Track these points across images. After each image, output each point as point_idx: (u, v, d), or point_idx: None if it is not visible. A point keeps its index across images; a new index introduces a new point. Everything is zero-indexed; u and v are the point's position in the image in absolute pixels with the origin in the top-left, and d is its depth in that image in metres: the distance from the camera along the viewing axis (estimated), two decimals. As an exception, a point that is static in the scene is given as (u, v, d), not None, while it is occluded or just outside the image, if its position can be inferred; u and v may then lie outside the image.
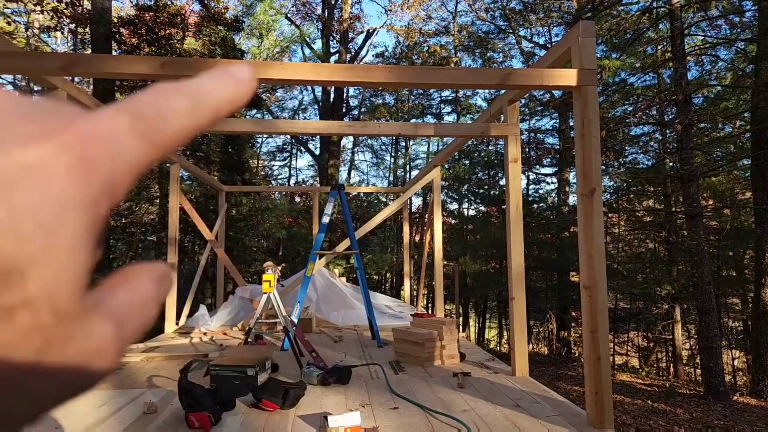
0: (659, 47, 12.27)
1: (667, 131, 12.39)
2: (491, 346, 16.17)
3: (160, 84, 0.18)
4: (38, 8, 9.99)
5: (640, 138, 13.07)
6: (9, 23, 9.78)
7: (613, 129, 11.52)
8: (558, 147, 15.43)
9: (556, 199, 15.66)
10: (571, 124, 14.73)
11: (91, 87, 11.27)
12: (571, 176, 15.16)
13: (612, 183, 13.09)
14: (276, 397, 3.39)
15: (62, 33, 11.42)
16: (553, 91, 14.45)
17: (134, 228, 11.86)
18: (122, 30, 11.16)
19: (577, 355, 13.57)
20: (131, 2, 12.85)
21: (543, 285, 15.16)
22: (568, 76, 3.21)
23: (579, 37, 3.21)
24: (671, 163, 12.17)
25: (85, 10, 10.54)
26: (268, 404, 3.37)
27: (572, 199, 15.33)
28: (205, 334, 6.87)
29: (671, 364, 12.53)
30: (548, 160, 16.22)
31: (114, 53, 10.76)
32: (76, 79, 14.14)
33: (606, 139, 11.35)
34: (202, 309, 7.62)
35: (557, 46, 3.56)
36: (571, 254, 12.77)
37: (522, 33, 16.73)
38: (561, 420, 3.20)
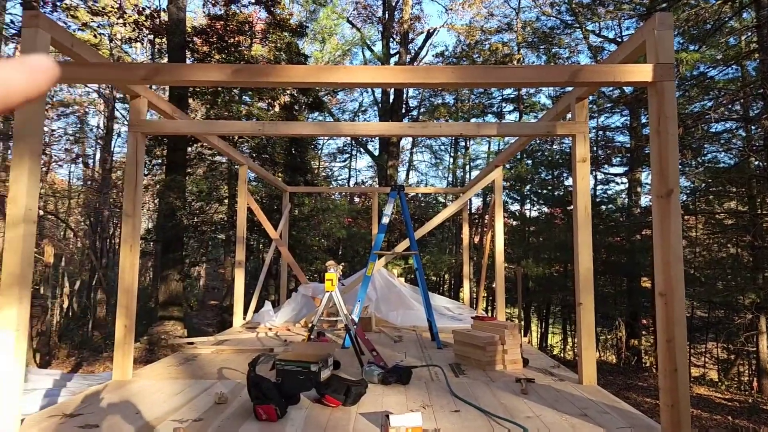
0: (743, 38, 11.43)
1: (752, 128, 11.52)
2: (554, 353, 15.66)
3: None
4: (121, 21, 10.71)
5: (721, 135, 12.21)
6: (95, 36, 10.55)
7: (691, 126, 10.83)
8: (629, 145, 14.73)
9: (627, 200, 14.95)
10: (644, 121, 14.02)
11: (167, 94, 11.93)
12: (644, 176, 14.42)
13: (689, 183, 12.32)
14: (339, 394, 3.46)
15: (141, 44, 12.17)
16: (624, 88, 13.81)
17: (205, 227, 12.44)
18: (195, 39, 11.76)
19: (648, 365, 12.89)
20: (204, 12, 13.51)
21: (611, 290, 14.50)
22: (642, 72, 3.07)
23: (655, 30, 3.06)
24: (757, 162, 11.31)
25: (162, 21, 11.20)
26: (331, 400, 3.44)
27: (644, 200, 14.59)
28: (270, 329, 7.11)
29: (755, 378, 11.65)
30: (618, 159, 15.50)
31: (187, 61, 11.35)
32: (153, 87, 15.03)
33: (683, 137, 10.70)
34: (267, 305, 7.90)
35: (631, 40, 3.41)
36: (642, 258, 12.15)
37: (590, 27, 16.09)
38: (632, 432, 3.06)
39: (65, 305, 14.72)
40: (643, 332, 13.63)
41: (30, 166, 3.00)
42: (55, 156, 13.41)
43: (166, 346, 9.97)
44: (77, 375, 7.56)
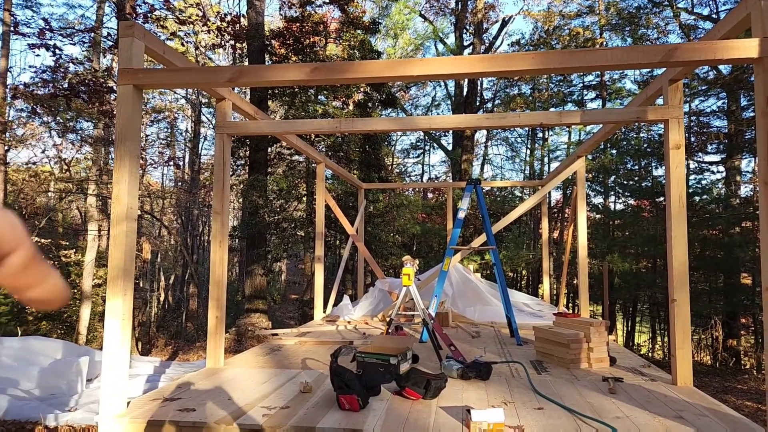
0: None
1: None
2: (642, 352, 14.78)
3: None
4: (205, 29, 11.36)
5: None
6: (182, 44, 11.28)
7: None
8: (726, 130, 13.55)
9: (724, 190, 13.77)
10: (744, 103, 12.84)
11: (248, 97, 12.51)
12: (744, 164, 13.21)
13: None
14: (419, 387, 3.47)
15: (224, 49, 12.84)
16: (721, 68, 12.70)
17: (285, 223, 12.94)
18: (273, 42, 12.23)
19: (748, 366, 11.84)
20: (280, 15, 14.01)
21: (706, 287, 13.43)
22: (747, 47, 2.81)
23: (762, 1, 2.79)
24: None
25: (242, 26, 11.75)
26: (411, 393, 3.47)
27: (744, 190, 13.37)
28: (348, 322, 7.28)
29: None
30: (713, 145, 14.31)
31: (267, 63, 11.83)
32: (236, 90, 15.81)
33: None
34: (346, 299, 8.09)
35: (733, 13, 3.13)
36: (741, 253, 11.16)
37: (681, 5, 14.94)
38: (737, 438, 2.83)
39: (162, 298, 15.90)
40: (742, 332, 12.53)
41: (130, 168, 3.26)
42: (150, 159, 14.49)
43: (252, 337, 10.50)
44: (174, 363, 8.16)
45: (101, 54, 11.23)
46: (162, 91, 18.59)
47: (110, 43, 10.23)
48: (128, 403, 3.32)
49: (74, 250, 11.77)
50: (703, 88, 13.92)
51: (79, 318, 10.74)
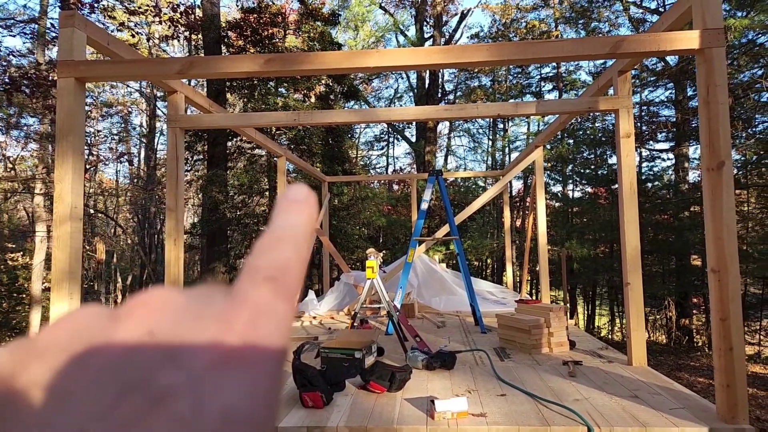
0: (797, -1, 10.66)
1: (808, 95, 10.80)
2: (602, 335, 15.29)
3: (262, 240, 0.21)
4: (157, 19, 10.97)
5: (773, 104, 11.51)
6: (133, 35, 10.86)
7: (741, 96, 10.24)
8: (675, 119, 14.08)
9: (674, 176, 14.33)
10: (690, 93, 13.37)
11: (205, 90, 12.19)
12: (691, 151, 13.77)
13: (740, 156, 11.69)
14: (383, 380, 3.48)
15: (178, 41, 12.45)
16: (669, 59, 13.16)
17: (248, 219, 12.72)
18: (230, 33, 11.94)
19: (700, 344, 12.44)
20: (237, 6, 13.68)
21: (660, 270, 13.99)
22: (689, 39, 2.91)
23: (702, -6, 2.89)
24: (814, 131, 10.61)
25: (197, 18, 11.41)
26: (375, 386, 3.47)
27: (692, 176, 13.95)
28: (314, 317, 7.22)
29: (815, 356, 11.09)
30: (663, 134, 14.85)
31: (224, 55, 11.54)
32: (192, 83, 15.38)
33: (733, 108, 10.13)
34: (311, 294, 8.02)
35: (675, 7, 3.23)
36: (691, 236, 11.67)
37: (630, -2, 15.38)
38: (686, 413, 2.95)
39: (119, 300, 15.41)
40: (694, 311, 13.13)
41: (73, 165, 3.11)
42: (102, 156, 13.96)
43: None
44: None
45: (45, 46, 10.70)
46: (114, 85, 17.91)
47: (54, 35, 9.77)
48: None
49: (22, 252, 11.26)
50: (652, 79, 14.41)
51: (29, 324, 10.29)
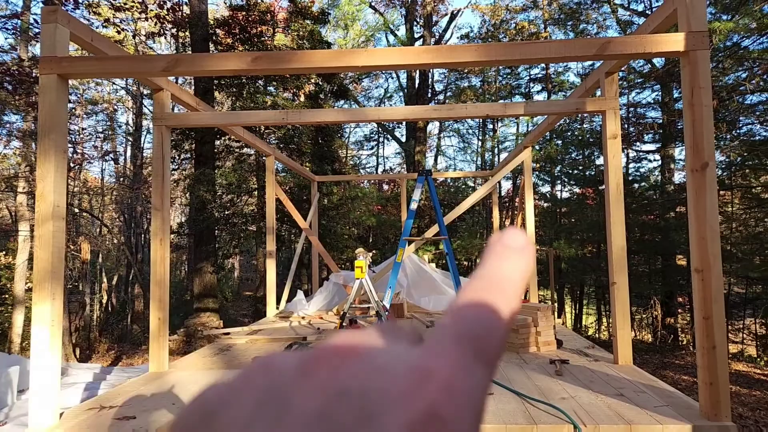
0: (779, 3, 10.83)
1: (790, 97, 10.97)
2: (590, 333, 15.42)
3: (472, 285, 0.19)
4: (143, 16, 10.85)
5: (757, 107, 11.67)
6: (118, 32, 10.73)
7: (726, 98, 10.38)
8: (661, 121, 14.23)
9: (660, 177, 14.49)
10: (676, 95, 13.52)
11: (193, 87, 12.10)
12: (677, 152, 13.95)
13: (724, 158, 11.86)
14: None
15: (165, 38, 12.33)
16: (655, 61, 13.30)
17: (236, 219, 12.64)
18: (218, 31, 11.85)
19: (684, 342, 12.60)
20: (225, 3, 13.58)
21: (646, 269, 14.14)
22: (674, 41, 2.93)
23: (687, -4, 2.91)
24: (795, 133, 10.78)
25: (184, 15, 11.30)
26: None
27: (678, 177, 14.13)
28: (303, 318, 7.19)
29: (794, 353, 11.27)
30: (650, 135, 15.00)
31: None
32: (180, 81, 15.25)
33: (717, 110, 10.25)
34: (300, 294, 7.99)
35: (661, 9, 3.26)
36: (677, 236, 11.82)
37: (618, 1, 15.53)
38: (671, 411, 2.98)
39: (104, 300, 15.24)
40: (680, 310, 13.30)
41: (56, 163, 3.06)
42: (87, 154, 13.78)
43: (202, 338, 10.22)
44: (116, 368, 7.82)
45: (28, 42, 10.53)
46: (99, 82, 17.70)
47: (37, 30, 9.63)
48: (62, 414, 3.14)
49: (4, 252, 11.08)
50: (639, 80, 14.55)
51: (11, 324, 10.13)
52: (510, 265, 0.20)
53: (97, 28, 10.99)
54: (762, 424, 6.38)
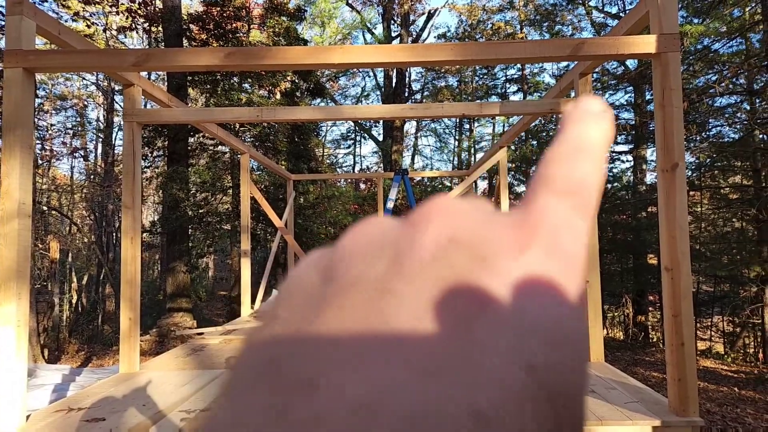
0: (747, 9, 11.19)
1: (757, 100, 11.33)
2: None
3: (555, 149, 0.19)
4: (114, 10, 10.60)
5: (726, 109, 12.03)
6: (88, 26, 10.44)
7: (696, 100, 10.67)
8: (633, 122, 14.56)
9: (632, 177, 14.82)
10: (649, 97, 13.84)
11: (165, 84, 11.87)
12: (649, 153, 14.28)
13: (693, 159, 12.19)
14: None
15: (137, 33, 12.06)
16: (628, 63, 13.58)
17: (210, 218, 12.44)
18: (192, 26, 11.64)
19: (655, 339, 12.92)
20: (199, -1, 13.35)
21: (618, 268, 14.46)
22: (646, 43, 2.98)
23: (658, 0, 2.97)
24: (761, 135, 11.15)
25: (156, 9, 11.07)
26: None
27: (650, 177, 14.46)
28: (277, 317, 7.12)
29: (760, 350, 11.65)
30: (623, 136, 15.33)
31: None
32: (153, 77, 14.94)
33: (688, 112, 10.53)
34: (275, 294, 7.91)
35: (634, 11, 3.32)
36: (648, 236, 12.11)
37: (592, 3, 15.82)
38: (640, 407, 3.04)
39: (74, 300, 14.85)
40: (650, 308, 13.63)
41: (21, 159, 2.96)
42: (55, 151, 13.40)
43: (175, 338, 10.05)
44: (86, 369, 7.63)
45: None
46: (68, 77, 17.23)
47: (2, 23, 9.31)
48: (29, 416, 3.05)
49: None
50: (613, 82, 14.85)
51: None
52: (592, 128, 0.19)
53: (66, 21, 10.68)
54: (729, 419, 6.57)
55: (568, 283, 0.16)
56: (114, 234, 15.93)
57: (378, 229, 0.19)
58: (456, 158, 23.30)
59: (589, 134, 0.19)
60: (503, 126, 18.69)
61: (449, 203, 0.18)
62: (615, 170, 15.41)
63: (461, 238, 0.17)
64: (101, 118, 19.69)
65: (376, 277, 0.16)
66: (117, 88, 16.41)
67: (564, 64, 15.22)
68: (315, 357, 0.14)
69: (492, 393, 0.13)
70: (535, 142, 15.65)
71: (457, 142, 23.54)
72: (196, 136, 12.12)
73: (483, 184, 20.01)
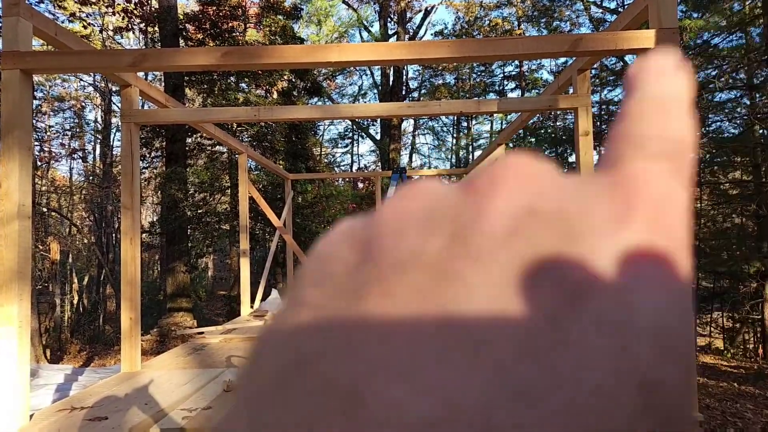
0: (747, 3, 11.19)
1: (757, 95, 11.33)
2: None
3: (638, 103, 0.16)
4: (110, 10, 10.58)
5: (725, 104, 12.02)
6: (85, 27, 10.42)
7: (695, 96, 10.68)
8: (632, 118, 14.56)
9: (630, 173, 14.84)
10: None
11: (162, 84, 11.85)
12: (647, 149, 14.30)
13: (693, 155, 12.19)
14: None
15: (134, 33, 12.04)
16: (627, 59, 13.57)
17: (209, 218, 12.44)
18: (188, 26, 11.62)
19: (655, 336, 12.97)
20: (195, -2, 13.32)
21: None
22: (645, 38, 2.98)
23: (656, -6, 2.97)
24: (761, 130, 11.16)
25: (152, 9, 11.04)
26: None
27: (648, 173, 14.48)
28: (277, 316, 7.12)
29: (760, 345, 11.67)
30: (621, 133, 15.34)
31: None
32: (150, 77, 14.92)
33: (687, 107, 10.47)
34: (275, 293, 7.92)
35: (632, 6, 3.31)
36: (648, 232, 12.14)
37: (590, -1, 15.81)
38: (642, 404, 3.04)
39: (75, 301, 14.85)
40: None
41: (20, 160, 2.96)
42: (54, 152, 13.38)
43: (176, 337, 10.06)
44: (88, 369, 7.64)
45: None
46: (65, 78, 17.20)
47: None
48: (32, 416, 3.05)
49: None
50: (611, 78, 14.85)
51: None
52: (674, 82, 0.16)
53: (62, 22, 10.65)
54: (728, 415, 6.59)
55: (678, 271, 0.13)
56: (114, 235, 15.92)
57: (429, 197, 0.14)
58: (454, 156, 23.31)
59: (674, 88, 0.16)
60: (501, 123, 18.70)
61: (523, 162, 0.14)
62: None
63: (543, 209, 0.13)
64: (99, 119, 19.64)
65: (433, 257, 0.12)
66: (114, 89, 16.38)
67: (562, 60, 15.23)
68: (355, 358, 0.11)
69: (594, 422, 0.10)
70: (533, 139, 15.66)
71: (455, 140, 23.53)
72: (194, 136, 12.11)
73: (482, 182, 20.03)
